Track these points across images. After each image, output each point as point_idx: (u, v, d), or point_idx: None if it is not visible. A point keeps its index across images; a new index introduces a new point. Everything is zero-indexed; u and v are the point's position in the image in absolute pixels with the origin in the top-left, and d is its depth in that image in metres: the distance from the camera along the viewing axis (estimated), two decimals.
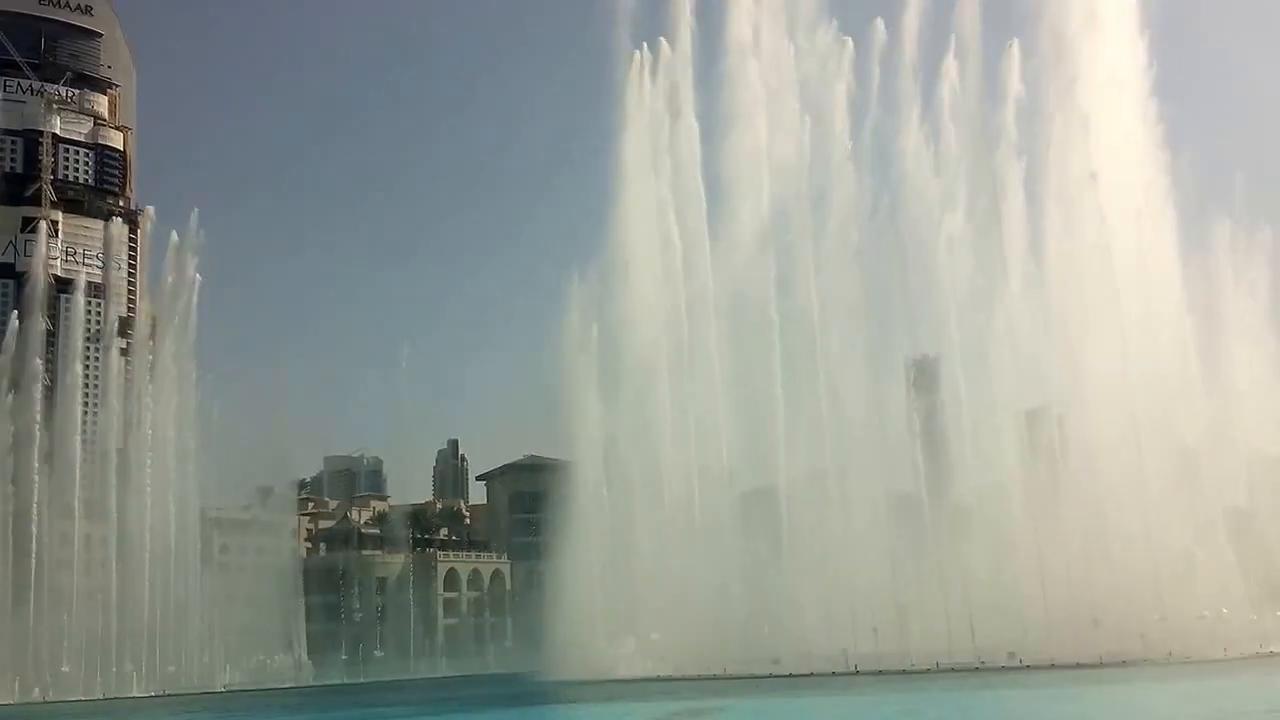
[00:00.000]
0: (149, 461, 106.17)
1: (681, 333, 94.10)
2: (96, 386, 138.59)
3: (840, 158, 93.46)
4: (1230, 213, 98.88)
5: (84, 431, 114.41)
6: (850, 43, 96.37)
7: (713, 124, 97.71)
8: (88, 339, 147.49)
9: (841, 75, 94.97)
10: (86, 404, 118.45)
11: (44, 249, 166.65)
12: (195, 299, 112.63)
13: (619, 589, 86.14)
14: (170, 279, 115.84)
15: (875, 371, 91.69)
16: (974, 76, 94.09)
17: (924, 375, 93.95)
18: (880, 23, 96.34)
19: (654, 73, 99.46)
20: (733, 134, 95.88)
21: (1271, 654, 76.55)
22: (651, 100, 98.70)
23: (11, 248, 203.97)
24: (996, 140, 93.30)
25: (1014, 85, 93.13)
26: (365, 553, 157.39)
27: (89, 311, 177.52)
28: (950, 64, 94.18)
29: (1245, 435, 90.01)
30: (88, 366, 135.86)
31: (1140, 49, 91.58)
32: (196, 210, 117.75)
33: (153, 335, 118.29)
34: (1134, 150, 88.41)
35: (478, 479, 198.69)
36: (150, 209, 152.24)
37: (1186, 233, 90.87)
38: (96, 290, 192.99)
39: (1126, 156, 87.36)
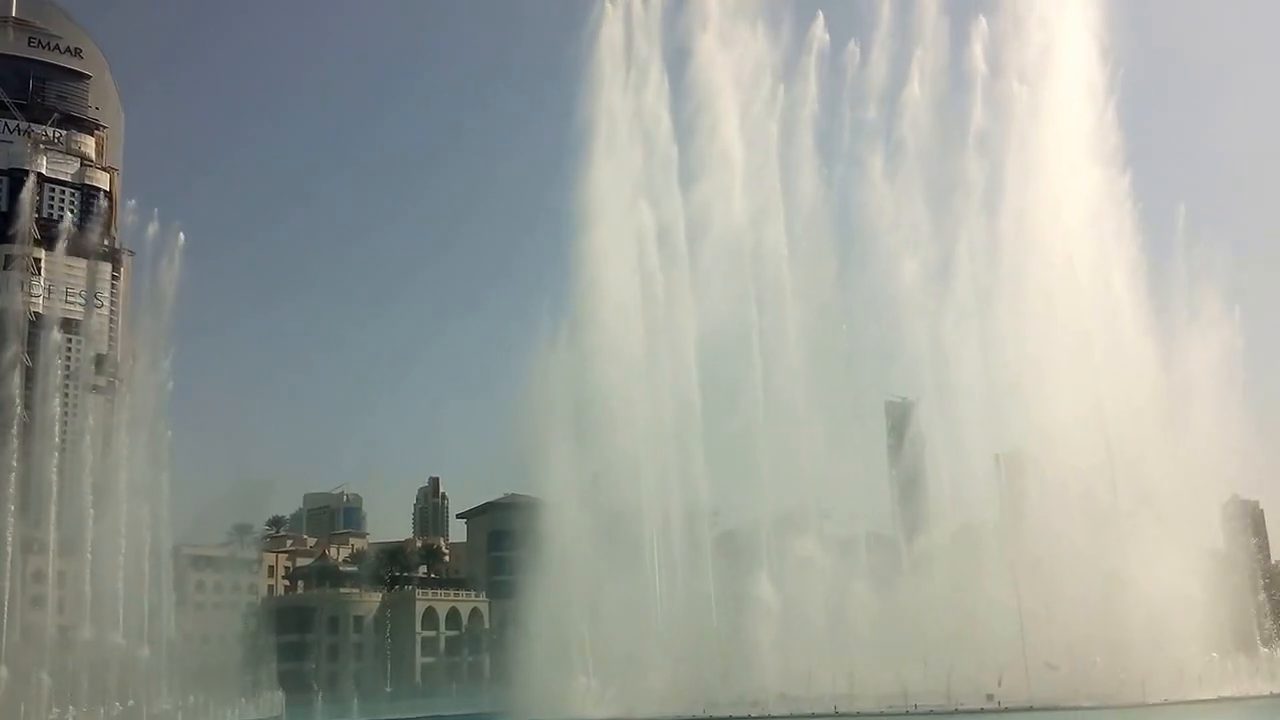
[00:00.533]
0: (124, 498, 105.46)
1: (658, 367, 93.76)
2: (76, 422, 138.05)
3: (810, 205, 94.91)
4: (1188, 243, 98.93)
5: (60, 467, 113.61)
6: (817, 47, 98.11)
7: (685, 162, 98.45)
8: (66, 376, 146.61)
9: (809, 107, 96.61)
10: (64, 440, 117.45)
11: (24, 285, 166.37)
12: (178, 257, 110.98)
13: (591, 629, 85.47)
14: (149, 285, 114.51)
15: (851, 415, 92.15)
16: (937, 114, 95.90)
17: (899, 419, 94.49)
18: (854, 50, 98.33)
19: (628, 106, 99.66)
20: (704, 177, 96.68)
21: (1248, 696, 76.64)
22: (628, 140, 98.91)
23: None
24: (957, 182, 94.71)
25: (976, 119, 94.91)
26: (343, 591, 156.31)
27: (69, 349, 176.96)
28: (914, 93, 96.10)
29: (1220, 478, 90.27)
30: (66, 403, 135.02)
31: (1099, 78, 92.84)
32: (179, 226, 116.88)
33: (132, 359, 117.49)
34: (1094, 179, 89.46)
35: (458, 517, 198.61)
36: (133, 203, 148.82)
37: (1149, 254, 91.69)
38: (76, 328, 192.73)
39: (1087, 186, 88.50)
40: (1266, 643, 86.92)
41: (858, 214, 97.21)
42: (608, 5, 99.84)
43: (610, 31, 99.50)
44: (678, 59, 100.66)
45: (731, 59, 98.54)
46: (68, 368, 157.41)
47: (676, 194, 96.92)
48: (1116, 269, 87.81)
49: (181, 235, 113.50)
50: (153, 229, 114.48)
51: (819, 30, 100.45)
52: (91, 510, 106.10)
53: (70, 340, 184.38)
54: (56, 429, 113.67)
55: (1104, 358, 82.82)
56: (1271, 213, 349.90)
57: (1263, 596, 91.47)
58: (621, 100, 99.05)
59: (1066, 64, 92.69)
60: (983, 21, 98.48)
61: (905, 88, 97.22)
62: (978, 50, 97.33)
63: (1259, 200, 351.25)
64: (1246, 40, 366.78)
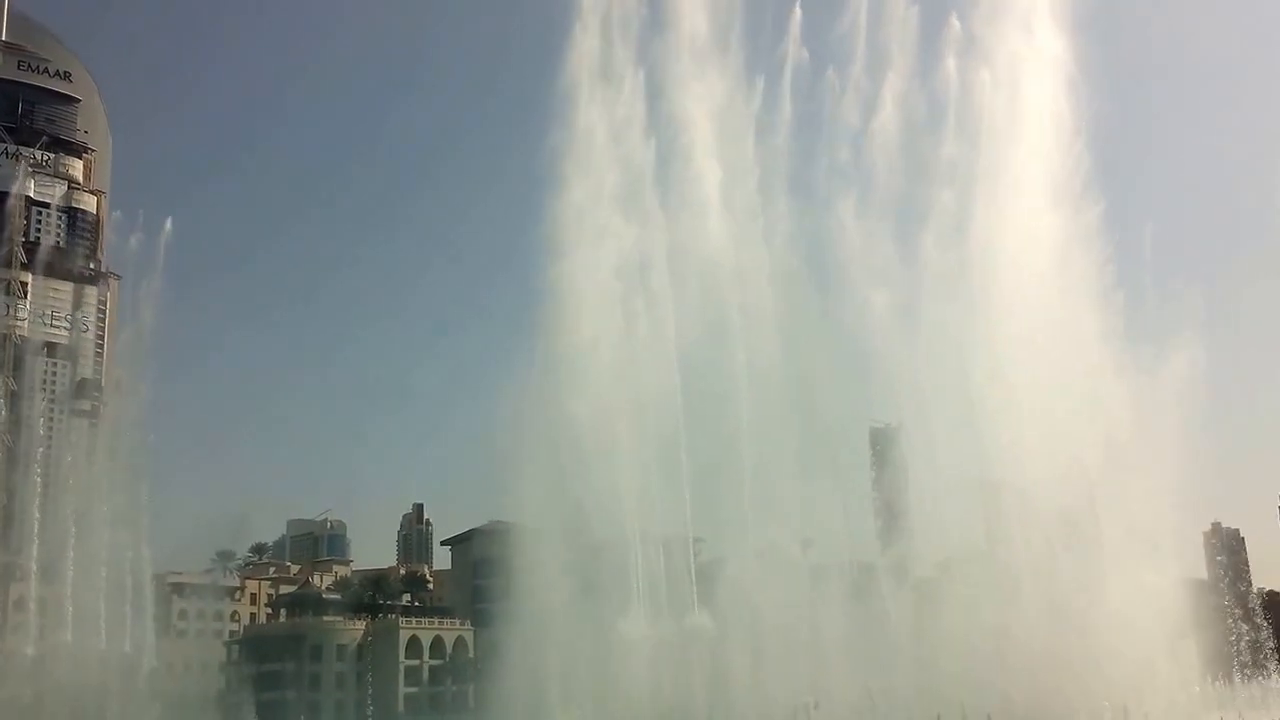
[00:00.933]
0: (106, 523, 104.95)
1: (642, 400, 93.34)
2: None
3: (784, 238, 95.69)
4: (1158, 269, 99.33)
5: (43, 492, 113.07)
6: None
7: (667, 191, 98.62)
8: (51, 400, 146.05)
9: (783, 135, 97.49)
10: (47, 464, 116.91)
11: (9, 308, 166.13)
12: (163, 250, 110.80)
13: (573, 659, 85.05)
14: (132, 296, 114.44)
15: (833, 439, 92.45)
16: (908, 145, 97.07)
17: (881, 444, 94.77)
18: (831, 77, 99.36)
19: (609, 128, 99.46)
20: (685, 214, 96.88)
21: None
22: (605, 163, 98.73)
23: None
24: (929, 212, 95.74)
25: (947, 148, 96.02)
26: (326, 619, 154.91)
27: (53, 373, 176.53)
28: (886, 120, 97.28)
29: (1198, 506, 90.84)
30: (50, 426, 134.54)
31: (1068, 110, 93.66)
32: (170, 220, 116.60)
33: (116, 383, 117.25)
34: (1065, 210, 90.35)
35: (442, 544, 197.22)
36: (118, 214, 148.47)
37: (1121, 282, 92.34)
38: (61, 351, 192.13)
39: (1057, 217, 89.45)
40: (1244, 671, 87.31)
41: (832, 244, 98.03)
42: (585, 16, 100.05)
43: (588, 46, 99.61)
44: (653, 79, 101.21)
45: (705, 86, 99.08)
46: (52, 391, 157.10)
47: (654, 217, 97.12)
48: (1087, 298, 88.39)
49: (169, 222, 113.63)
50: (136, 240, 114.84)
51: (794, 45, 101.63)
52: (74, 533, 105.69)
53: (55, 364, 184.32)
54: (39, 451, 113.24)
55: (1077, 385, 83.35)
56: (1242, 241, 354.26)
57: (1244, 625, 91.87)
58: (598, 120, 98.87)
59: (1036, 98, 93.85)
60: (955, 49, 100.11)
61: (875, 117, 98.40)
62: (951, 81, 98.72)
63: (1229, 228, 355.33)
64: (1218, 67, 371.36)
